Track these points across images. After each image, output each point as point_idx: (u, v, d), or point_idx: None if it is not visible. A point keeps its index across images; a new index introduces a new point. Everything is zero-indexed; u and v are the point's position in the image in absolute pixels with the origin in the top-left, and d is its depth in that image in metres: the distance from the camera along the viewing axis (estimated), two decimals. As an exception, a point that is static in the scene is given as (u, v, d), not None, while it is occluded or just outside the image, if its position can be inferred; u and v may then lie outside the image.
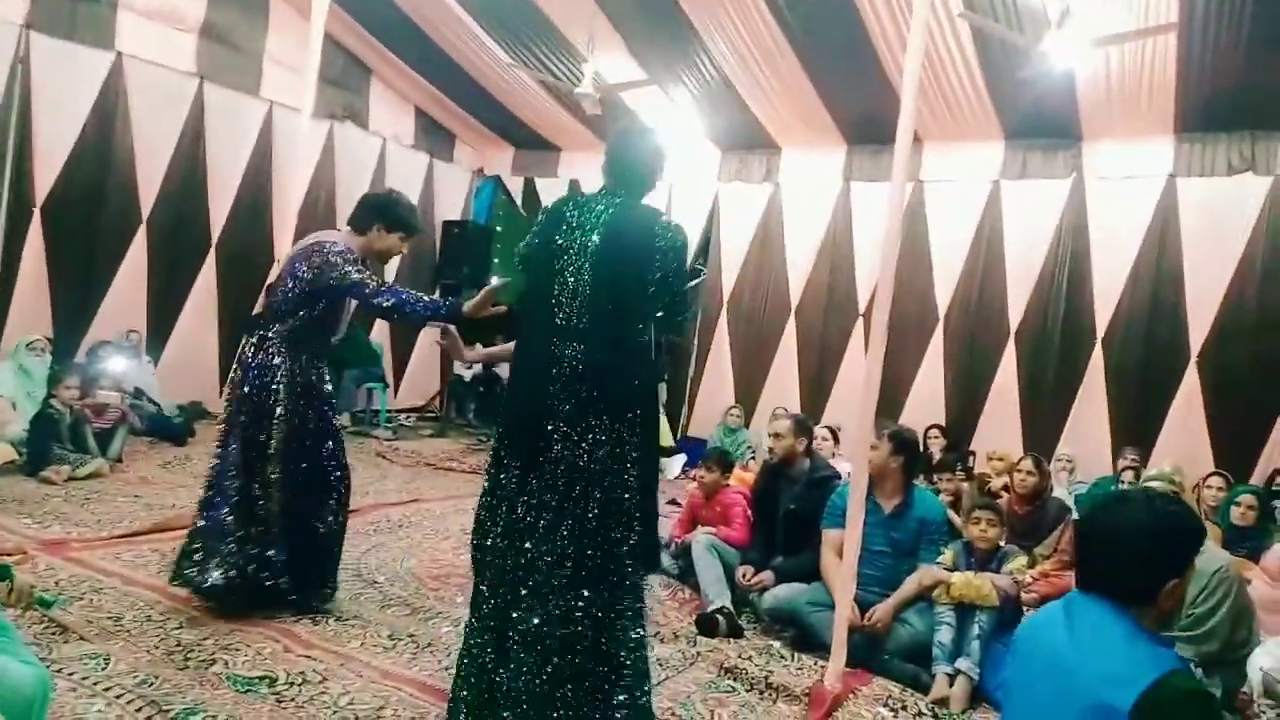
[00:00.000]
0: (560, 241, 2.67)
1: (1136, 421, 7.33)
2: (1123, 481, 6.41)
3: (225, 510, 3.52)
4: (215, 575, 3.47)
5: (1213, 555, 3.60)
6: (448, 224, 10.49)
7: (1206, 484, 6.08)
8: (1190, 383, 7.18)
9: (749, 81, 7.96)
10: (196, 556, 3.54)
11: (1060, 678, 1.78)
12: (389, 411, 9.60)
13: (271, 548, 3.54)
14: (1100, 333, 7.58)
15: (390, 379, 9.78)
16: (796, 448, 4.74)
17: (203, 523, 3.57)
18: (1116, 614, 1.79)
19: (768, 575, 4.40)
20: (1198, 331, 7.18)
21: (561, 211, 2.75)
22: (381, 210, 3.76)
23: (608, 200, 2.72)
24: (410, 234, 3.87)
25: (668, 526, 5.47)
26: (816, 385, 8.85)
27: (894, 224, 3.72)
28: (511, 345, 2.91)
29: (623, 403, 2.63)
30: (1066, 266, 7.74)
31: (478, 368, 9.81)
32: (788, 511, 4.63)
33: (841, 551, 3.68)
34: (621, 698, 2.58)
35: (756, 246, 9.37)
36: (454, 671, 2.74)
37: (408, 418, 10.04)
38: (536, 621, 2.53)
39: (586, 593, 2.56)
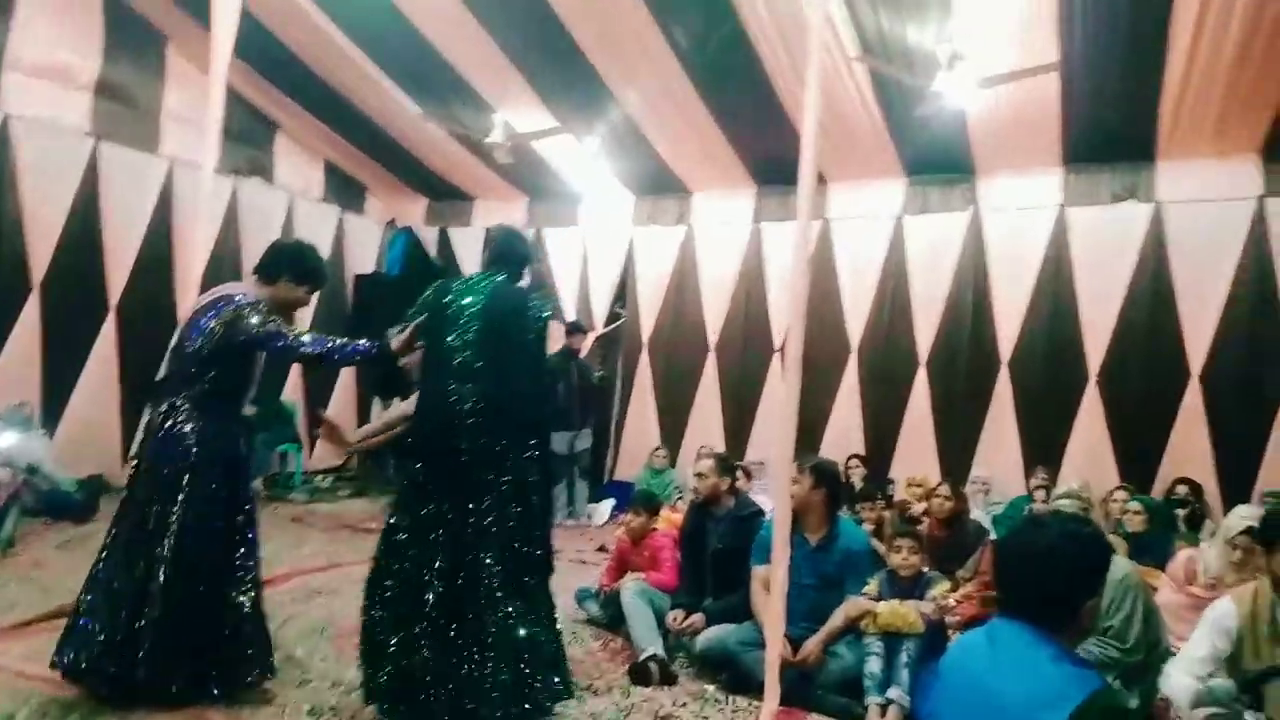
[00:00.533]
0: (451, 308, 3.37)
1: (1045, 441, 7.60)
2: (1035, 500, 6.65)
3: (103, 590, 3.30)
4: (85, 659, 3.24)
5: (1116, 565, 3.73)
6: (360, 277, 10.31)
7: (1113, 498, 6.34)
8: (1091, 401, 7.50)
9: (659, 127, 8.11)
10: (72, 639, 3.31)
11: (987, 705, 1.80)
12: (304, 473, 9.29)
13: (153, 631, 3.20)
14: (1005, 357, 7.87)
15: (304, 439, 9.49)
16: (720, 486, 4.77)
17: (84, 602, 3.34)
18: (1038, 637, 1.83)
19: (699, 618, 4.38)
20: (1095, 352, 7.52)
21: (448, 286, 3.47)
22: (291, 260, 3.64)
23: (489, 278, 3.49)
24: (318, 286, 3.78)
25: (596, 575, 5.42)
26: (738, 422, 8.94)
27: (801, 262, 3.82)
28: (393, 417, 3.82)
29: (516, 430, 3.35)
30: (970, 296, 8.04)
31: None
32: (715, 551, 4.64)
33: (770, 587, 3.70)
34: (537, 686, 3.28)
35: (673, 288, 9.47)
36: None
37: (324, 479, 9.71)
38: (464, 622, 3.14)
39: (501, 595, 3.20)
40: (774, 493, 4.46)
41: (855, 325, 8.51)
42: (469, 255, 10.14)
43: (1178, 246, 7.27)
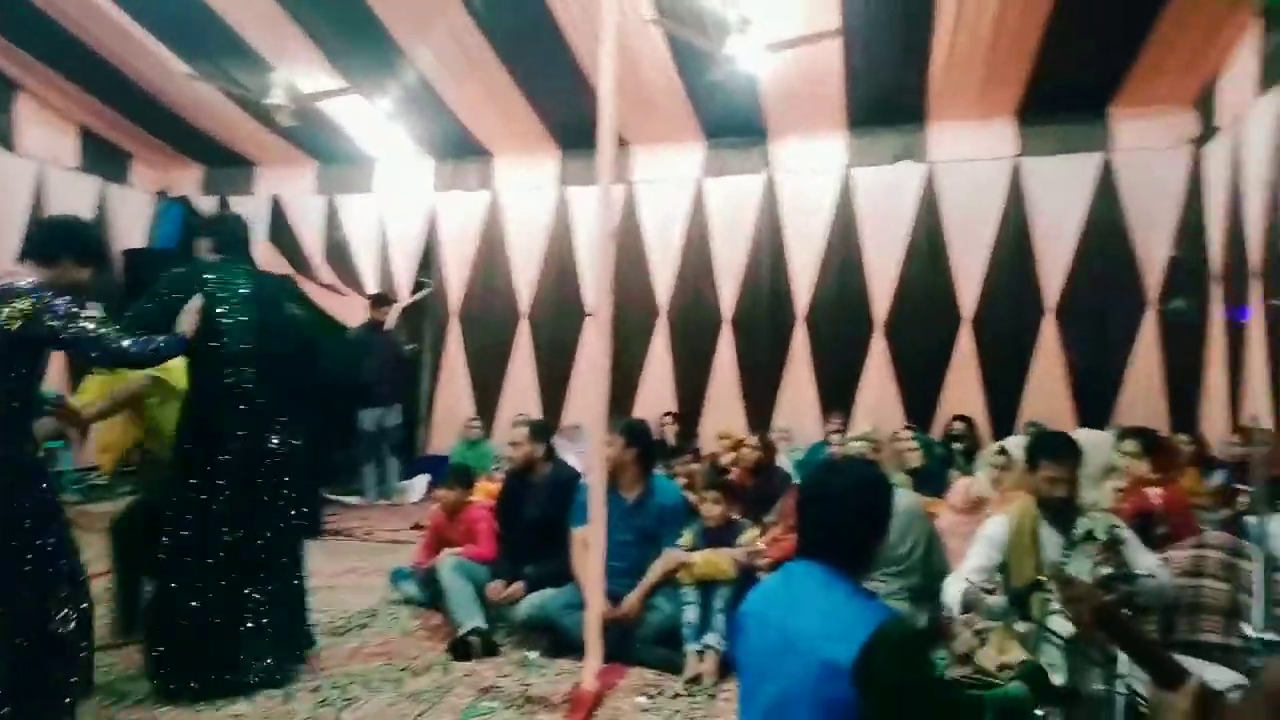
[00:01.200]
0: (219, 293, 3.56)
1: (838, 389, 8.11)
2: (831, 444, 7.07)
3: None
4: None
5: (900, 498, 4.05)
6: (130, 253, 9.32)
7: (898, 437, 6.86)
8: (879, 350, 8.07)
9: (456, 89, 7.84)
10: None
11: (786, 644, 1.88)
12: (75, 471, 8.40)
13: None
14: (801, 313, 8.30)
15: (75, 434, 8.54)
16: (535, 453, 4.74)
17: None
18: (832, 575, 1.93)
19: (519, 586, 4.35)
20: (880, 304, 8.07)
21: (198, 269, 3.67)
22: (69, 237, 3.11)
23: (239, 264, 3.76)
24: (103, 265, 3.33)
25: (412, 554, 5.27)
26: (553, 388, 8.93)
27: (605, 225, 3.80)
28: (120, 392, 3.90)
29: (282, 405, 3.69)
30: (767, 255, 8.39)
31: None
32: (534, 518, 4.61)
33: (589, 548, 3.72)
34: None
35: (480, 255, 9.27)
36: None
37: (100, 475, 8.81)
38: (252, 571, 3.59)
39: (273, 559, 3.65)
40: (588, 454, 4.49)
41: (662, 287, 8.69)
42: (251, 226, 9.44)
43: (948, 203, 7.90)
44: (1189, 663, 3.04)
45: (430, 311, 9.42)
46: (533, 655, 3.98)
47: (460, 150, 9.04)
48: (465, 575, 4.41)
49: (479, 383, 9.24)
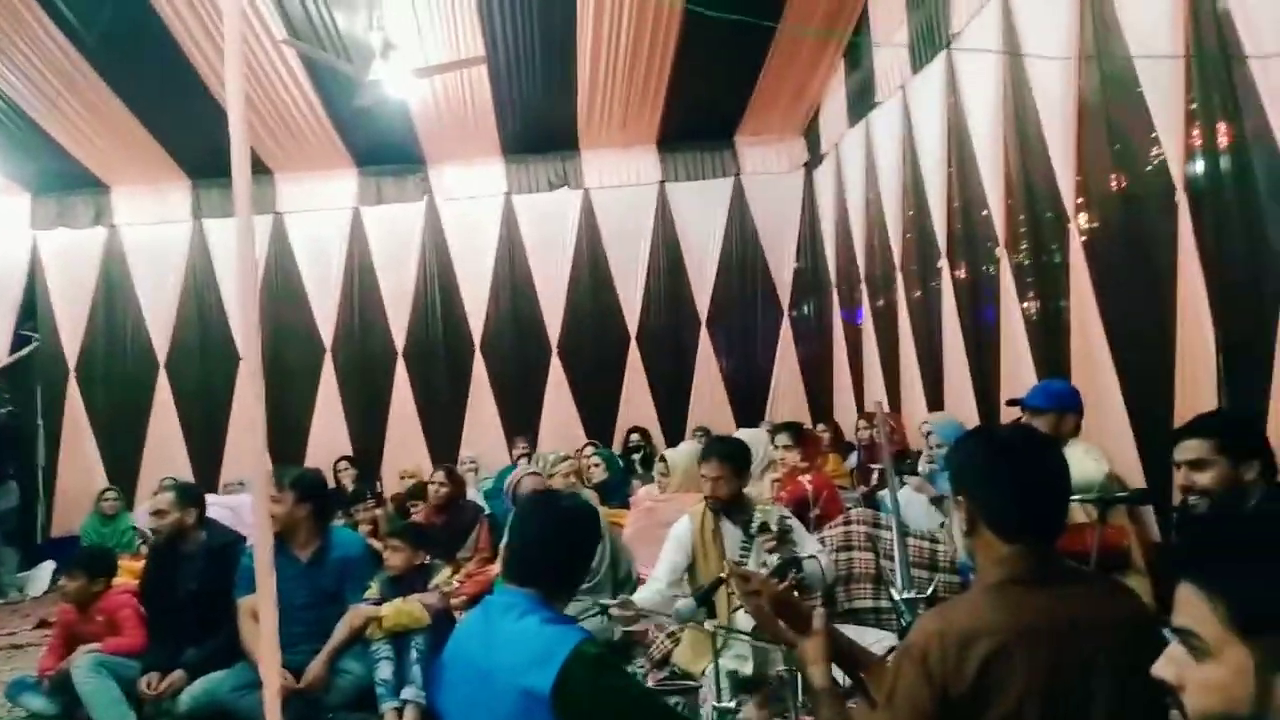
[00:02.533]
0: None
1: (521, 413, 8.16)
2: (518, 467, 7.05)
3: None
4: None
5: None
6: None
7: (583, 454, 7.02)
8: (556, 372, 8.23)
9: (52, 114, 6.75)
10: None
11: (484, 681, 1.83)
12: None
13: None
14: (478, 340, 8.23)
15: None
16: (186, 520, 4.15)
17: None
18: (532, 604, 1.91)
19: (178, 675, 3.77)
20: (553, 327, 8.25)
21: None
22: None
23: None
24: None
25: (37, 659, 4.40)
26: (206, 444, 8.02)
27: (245, 261, 3.41)
28: None
29: None
30: (436, 283, 8.23)
31: None
32: (189, 594, 4.05)
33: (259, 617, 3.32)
34: None
35: (101, 299, 8.10)
36: None
37: None
38: None
39: None
40: (252, 512, 4.03)
41: (325, 323, 8.17)
42: None
43: (606, 227, 8.29)
44: (850, 629, 3.40)
45: (40, 370, 8.02)
46: (203, 751, 3.47)
47: (66, 183, 7.83)
48: (108, 674, 3.74)
49: (111, 448, 8.04)
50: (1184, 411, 3.38)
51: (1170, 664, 1.06)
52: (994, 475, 1.57)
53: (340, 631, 3.69)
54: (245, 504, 5.50)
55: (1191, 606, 1.02)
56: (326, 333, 8.16)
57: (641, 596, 3.31)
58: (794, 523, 3.32)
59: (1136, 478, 3.73)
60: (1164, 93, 3.50)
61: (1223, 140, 3.35)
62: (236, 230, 3.44)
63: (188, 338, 8.11)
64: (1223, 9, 3.21)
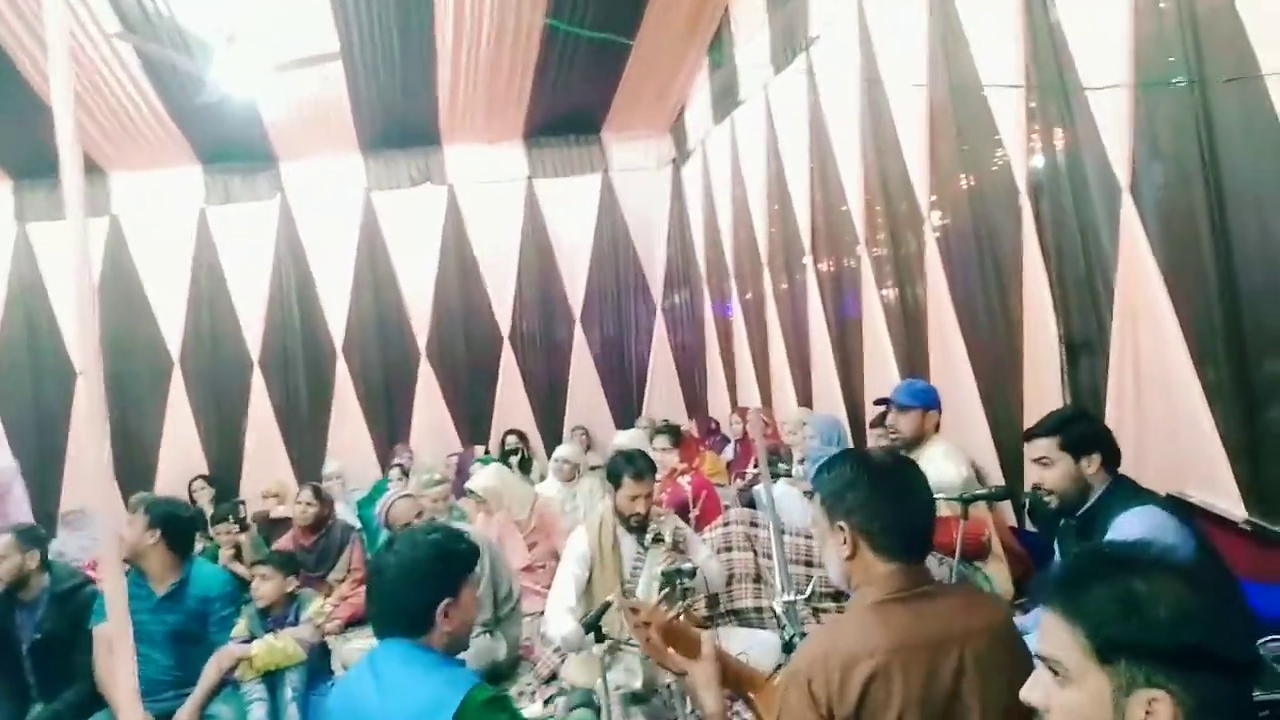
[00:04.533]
0: None
1: (392, 421, 7.89)
2: (392, 481, 6.82)
3: None
4: None
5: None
6: None
7: (448, 462, 6.89)
8: (426, 375, 7.99)
9: None
10: None
11: None
12: None
13: None
14: (339, 345, 7.88)
15: None
16: (28, 564, 3.80)
17: None
18: (414, 650, 1.86)
19: (23, 737, 3.47)
20: (420, 329, 7.99)
21: None
22: None
23: None
24: None
25: None
26: (42, 471, 7.32)
27: (79, 267, 3.11)
28: None
29: None
30: (293, 286, 7.83)
31: None
32: (35, 644, 3.71)
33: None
34: None
35: None
36: None
37: None
38: None
39: None
40: (102, 542, 3.71)
41: (173, 333, 7.65)
42: None
43: (473, 224, 8.09)
44: (736, 631, 3.47)
45: None
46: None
47: None
48: (-65, 746, 3.39)
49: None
50: (1032, 405, 3.60)
51: (1037, 688, 1.13)
52: (878, 501, 1.62)
53: (209, 675, 3.46)
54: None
55: (1055, 634, 1.09)
56: (174, 342, 7.63)
57: (557, 629, 3.24)
58: (687, 532, 3.34)
59: (994, 467, 3.96)
60: (1006, 96, 3.70)
61: (1059, 143, 3.58)
62: (70, 234, 3.17)
63: (14, 353, 7.41)
64: (1055, 19, 3.41)
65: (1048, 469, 2.41)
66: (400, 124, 7.51)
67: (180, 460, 7.44)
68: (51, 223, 7.25)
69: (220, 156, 7.54)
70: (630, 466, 3.34)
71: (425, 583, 1.88)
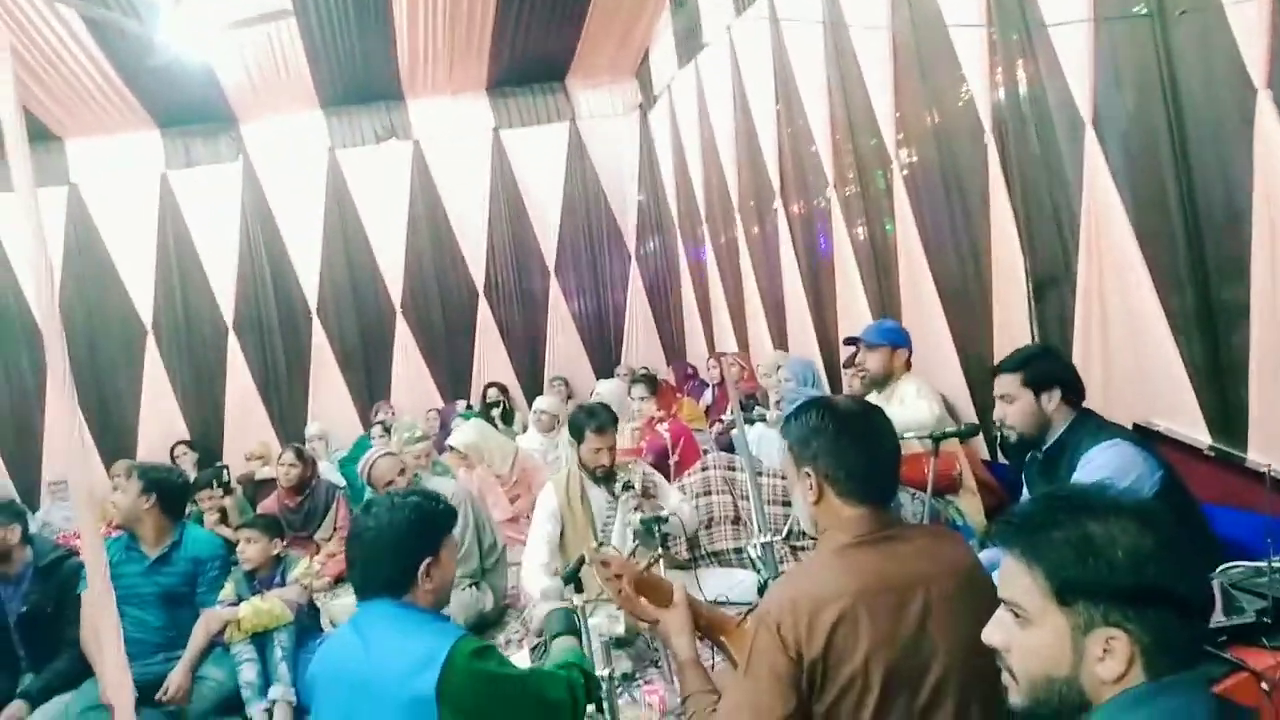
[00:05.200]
0: None
1: (371, 379, 7.87)
2: (373, 438, 6.84)
3: None
4: None
5: (443, 486, 4.07)
6: None
7: (429, 418, 6.91)
8: (403, 332, 7.96)
9: None
10: None
11: (366, 692, 1.80)
12: None
13: None
14: (313, 305, 7.82)
15: None
16: (9, 539, 3.82)
17: None
18: (399, 609, 1.88)
19: (17, 706, 3.51)
20: (394, 286, 7.93)
21: None
22: None
23: None
24: None
25: None
26: (19, 443, 7.33)
27: (34, 235, 3.05)
28: None
29: None
30: (263, 248, 7.73)
31: None
32: (21, 617, 3.75)
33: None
34: None
35: None
36: None
37: None
38: None
39: None
40: (76, 509, 3.72)
41: (143, 298, 7.56)
42: None
43: (442, 178, 7.98)
44: (716, 572, 3.55)
45: None
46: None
47: None
48: (-67, 719, 3.43)
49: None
50: (1002, 340, 3.65)
51: (998, 630, 1.17)
52: (843, 447, 1.65)
53: (197, 637, 3.52)
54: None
55: (1015, 578, 1.12)
56: (145, 310, 7.55)
57: (534, 586, 3.29)
58: (658, 478, 3.39)
59: (966, 402, 4.02)
60: (969, 32, 3.67)
61: (1021, 76, 3.56)
62: (20, 203, 3.10)
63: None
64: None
65: (1009, 404, 2.46)
66: (361, 79, 7.34)
67: (161, 427, 7.43)
68: (4, 194, 7.07)
69: (178, 120, 7.37)
70: (592, 420, 3.38)
71: (407, 544, 1.91)
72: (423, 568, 1.90)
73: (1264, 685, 1.79)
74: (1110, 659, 1.04)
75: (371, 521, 1.94)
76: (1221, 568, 2.18)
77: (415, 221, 7.94)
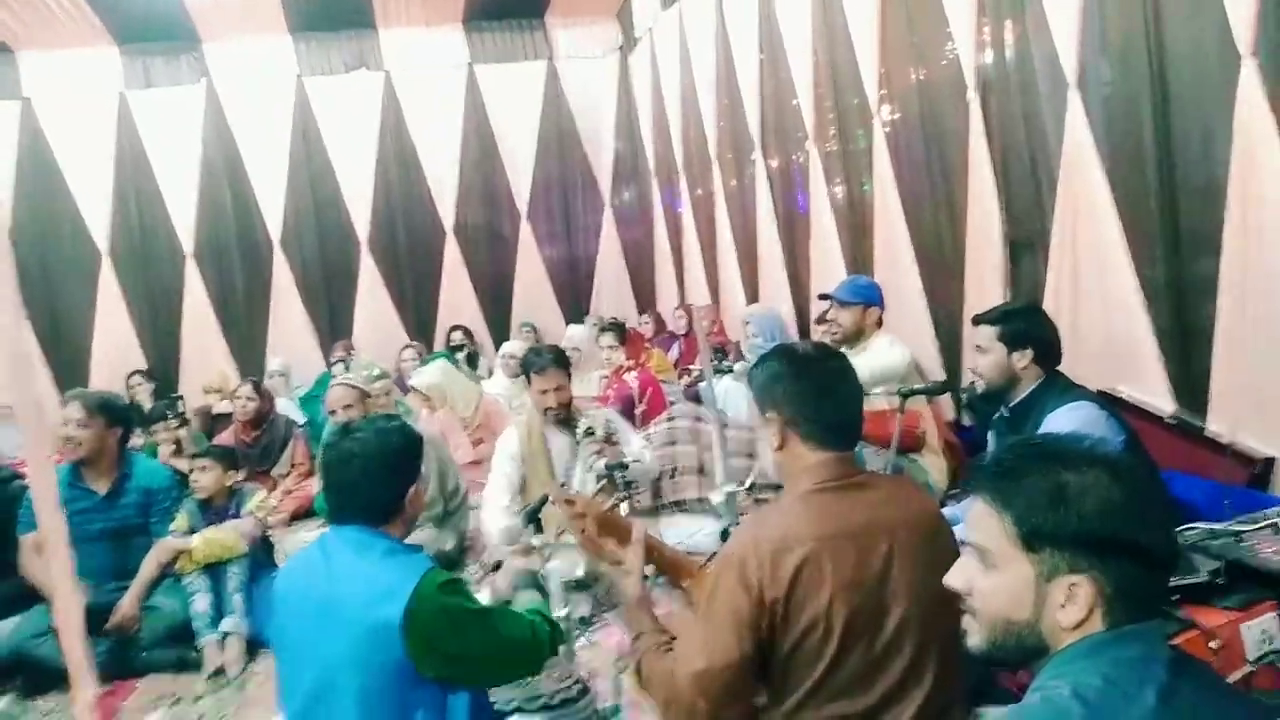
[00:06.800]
0: None
1: (334, 316, 7.72)
2: (334, 375, 6.71)
3: None
4: None
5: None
6: None
7: (401, 357, 6.80)
8: (367, 269, 7.79)
9: None
10: None
11: (329, 615, 1.80)
12: None
13: None
14: (276, 237, 7.61)
15: None
16: (-45, 463, 3.73)
17: None
18: (369, 536, 1.87)
19: (-41, 630, 3.44)
20: (361, 221, 7.74)
21: None
22: None
23: None
24: None
25: None
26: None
27: None
28: None
29: None
30: (223, 176, 7.47)
31: None
32: (-37, 539, 3.66)
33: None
34: None
35: None
36: None
37: None
38: None
39: None
40: (26, 444, 3.62)
41: (98, 222, 7.29)
42: None
43: (413, 113, 7.76)
44: (679, 519, 3.56)
45: None
46: (2, 703, 3.22)
47: None
48: None
49: None
50: (974, 301, 3.66)
51: (961, 573, 1.17)
52: (805, 391, 1.64)
53: (147, 568, 3.46)
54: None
55: (984, 521, 1.12)
56: (100, 233, 7.29)
57: (494, 526, 3.28)
58: (620, 424, 3.36)
59: (935, 361, 4.04)
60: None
61: (1008, 36, 3.52)
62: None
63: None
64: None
65: (982, 355, 2.49)
66: (332, 4, 7.08)
67: (116, 354, 7.22)
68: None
69: (138, 36, 7.06)
70: (537, 360, 3.35)
71: (398, 470, 1.91)
72: (387, 498, 1.89)
73: (1212, 644, 1.83)
74: (1071, 605, 1.05)
75: (357, 446, 1.90)
76: (1179, 529, 2.21)
77: (384, 156, 7.73)
